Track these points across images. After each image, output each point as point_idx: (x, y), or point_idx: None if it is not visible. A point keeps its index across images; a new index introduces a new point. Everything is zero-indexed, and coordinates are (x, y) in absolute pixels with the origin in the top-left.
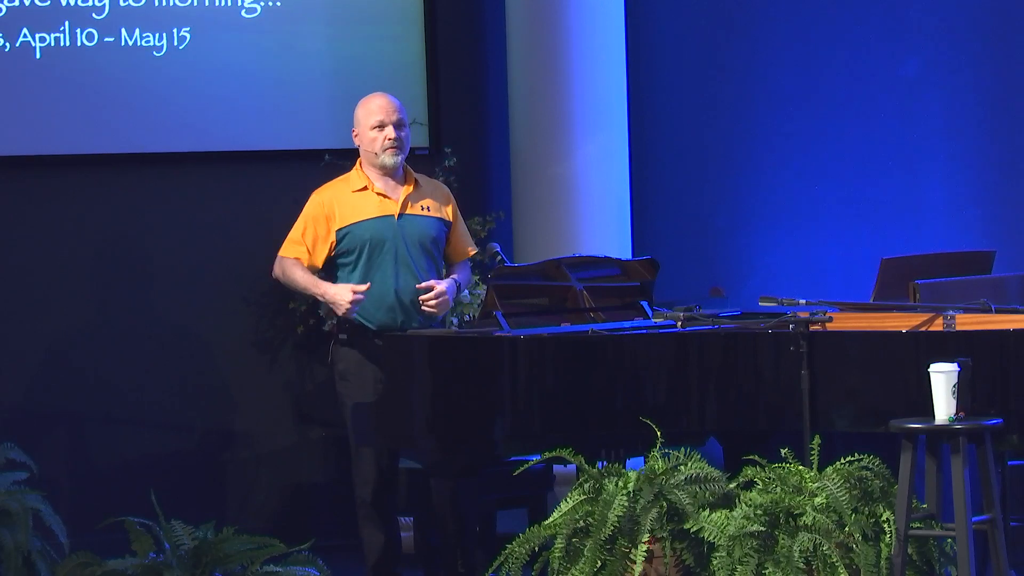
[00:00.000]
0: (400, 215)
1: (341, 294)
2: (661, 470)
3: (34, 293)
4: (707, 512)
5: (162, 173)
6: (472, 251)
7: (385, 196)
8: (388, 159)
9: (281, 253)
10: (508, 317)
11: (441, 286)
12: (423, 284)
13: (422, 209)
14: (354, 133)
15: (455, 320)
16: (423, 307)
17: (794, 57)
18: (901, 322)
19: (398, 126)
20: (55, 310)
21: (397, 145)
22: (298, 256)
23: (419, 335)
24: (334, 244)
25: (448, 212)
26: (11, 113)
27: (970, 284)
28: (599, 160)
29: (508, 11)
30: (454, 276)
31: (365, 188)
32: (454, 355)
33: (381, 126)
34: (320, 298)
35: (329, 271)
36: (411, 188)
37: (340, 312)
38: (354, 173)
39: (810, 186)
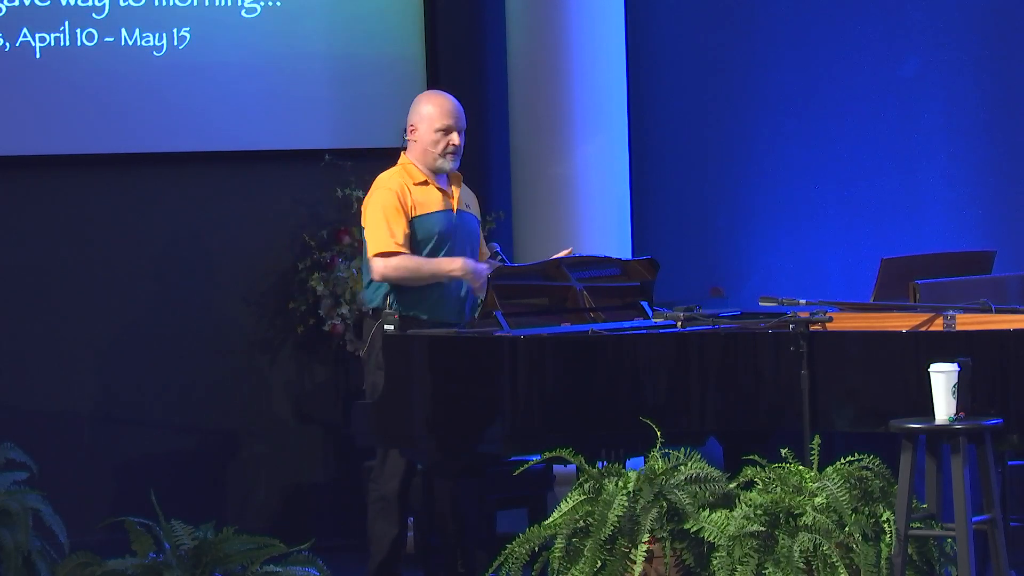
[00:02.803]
0: (458, 211)
1: (473, 268)
2: (661, 470)
3: (34, 293)
4: (707, 512)
5: (162, 173)
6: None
7: (444, 192)
8: (447, 164)
9: (381, 250)
10: (508, 317)
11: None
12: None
13: (467, 207)
14: (411, 127)
15: None
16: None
17: (794, 57)
18: (901, 322)
19: (462, 132)
20: (55, 310)
21: (458, 152)
22: (401, 249)
23: (419, 335)
24: (407, 233)
25: (479, 213)
26: (11, 113)
27: (970, 284)
28: (599, 160)
29: (508, 11)
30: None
31: (426, 182)
32: (454, 355)
33: (447, 130)
34: (455, 276)
35: None
36: (460, 186)
37: (476, 285)
38: (408, 167)
39: (810, 186)
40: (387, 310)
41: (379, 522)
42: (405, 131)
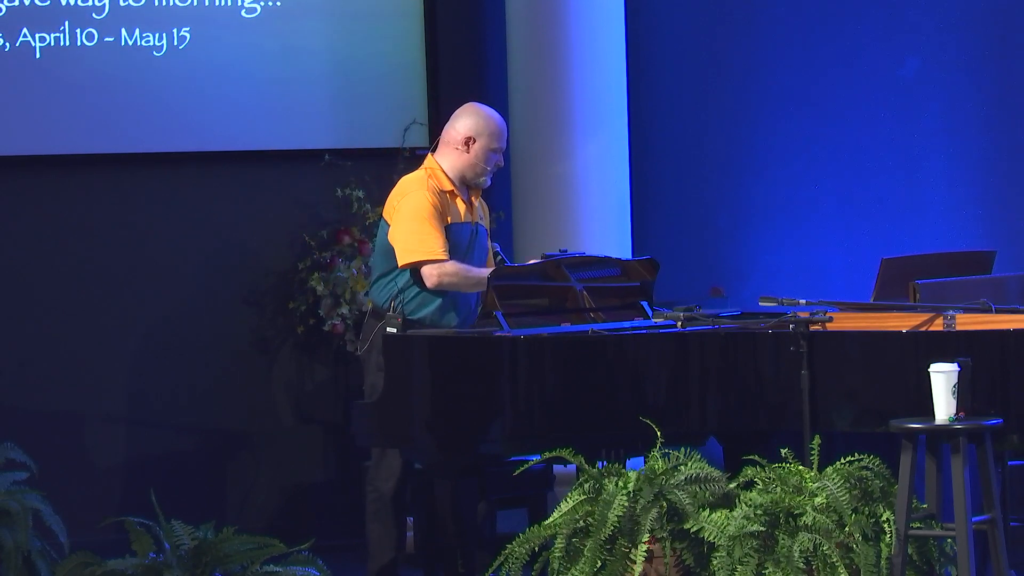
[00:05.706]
0: (476, 223)
1: None
2: (661, 470)
3: (34, 293)
4: (707, 512)
5: (162, 173)
6: None
7: (467, 204)
8: (486, 181)
9: (432, 256)
10: (508, 317)
11: None
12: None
13: (481, 219)
14: (466, 138)
15: None
16: None
17: (794, 57)
18: (901, 322)
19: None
20: (55, 309)
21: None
22: (447, 255)
23: (419, 335)
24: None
25: (488, 224)
26: (11, 113)
27: (970, 284)
28: (599, 160)
29: (508, 11)
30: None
31: (454, 192)
32: (454, 355)
33: (500, 152)
34: None
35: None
36: (478, 199)
37: None
38: (437, 173)
39: (810, 186)
40: (391, 312)
41: (376, 524)
42: (443, 135)
